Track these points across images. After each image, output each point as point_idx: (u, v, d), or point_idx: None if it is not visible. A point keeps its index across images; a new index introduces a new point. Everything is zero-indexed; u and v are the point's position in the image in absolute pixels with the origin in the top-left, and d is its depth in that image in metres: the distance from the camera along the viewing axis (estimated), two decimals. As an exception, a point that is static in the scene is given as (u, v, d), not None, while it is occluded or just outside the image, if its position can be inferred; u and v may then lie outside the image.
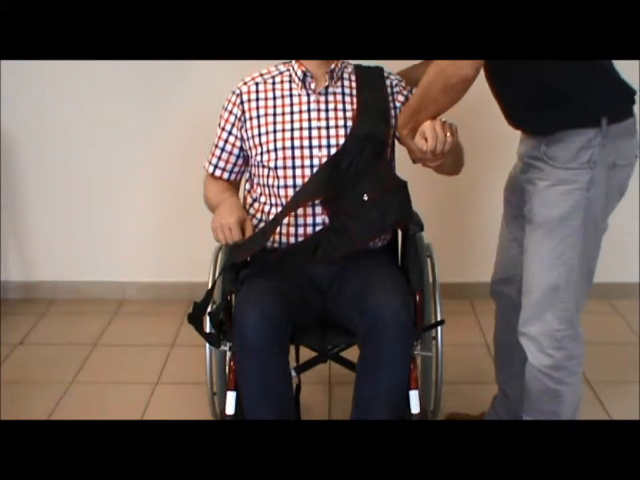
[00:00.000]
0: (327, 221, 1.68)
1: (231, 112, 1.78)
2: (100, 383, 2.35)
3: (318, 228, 1.69)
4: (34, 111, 2.72)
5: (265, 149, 1.73)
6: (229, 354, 1.71)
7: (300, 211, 1.68)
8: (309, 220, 1.70)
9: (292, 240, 1.71)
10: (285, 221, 1.68)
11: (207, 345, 1.71)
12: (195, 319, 1.65)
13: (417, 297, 1.68)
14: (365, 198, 1.65)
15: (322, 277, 1.75)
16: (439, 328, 1.73)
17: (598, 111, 1.50)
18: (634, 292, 2.86)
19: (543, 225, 1.57)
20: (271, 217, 1.71)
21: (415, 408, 1.63)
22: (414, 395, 1.63)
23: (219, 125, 1.81)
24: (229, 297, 1.69)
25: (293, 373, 1.69)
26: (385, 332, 1.53)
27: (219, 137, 1.81)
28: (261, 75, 1.80)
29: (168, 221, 2.85)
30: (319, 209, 1.69)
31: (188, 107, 2.69)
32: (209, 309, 1.67)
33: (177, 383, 2.34)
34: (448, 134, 1.50)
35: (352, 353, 1.73)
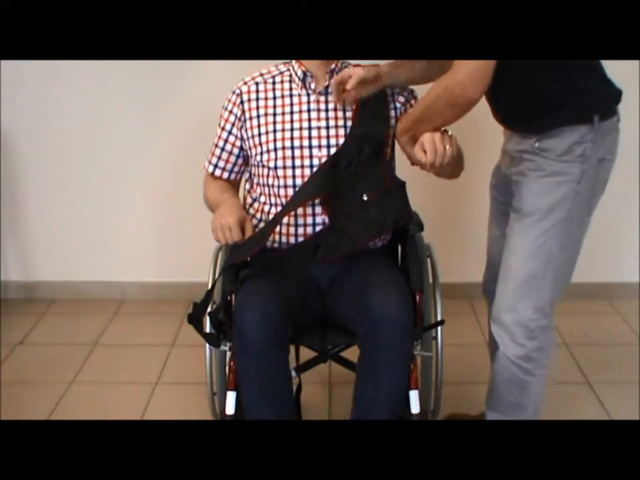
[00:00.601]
0: (326, 220, 1.68)
1: (231, 112, 1.78)
2: (100, 383, 2.34)
3: (318, 228, 1.69)
4: (34, 111, 2.72)
5: (264, 148, 1.73)
6: (228, 354, 1.71)
7: (300, 210, 1.68)
8: (309, 220, 1.70)
9: (292, 240, 1.71)
10: (285, 220, 1.69)
11: (207, 344, 1.71)
12: (195, 319, 1.65)
13: (417, 297, 1.68)
14: (365, 198, 1.65)
15: (322, 277, 1.75)
16: (439, 328, 1.73)
17: (591, 108, 1.53)
18: (634, 292, 2.86)
19: (530, 214, 1.59)
20: (271, 216, 1.71)
21: (414, 408, 1.63)
22: (414, 395, 1.63)
23: (219, 124, 1.81)
24: (229, 297, 1.69)
25: (293, 373, 1.69)
26: (384, 332, 1.53)
27: (219, 137, 1.81)
28: (261, 74, 1.80)
29: (168, 221, 2.85)
30: (318, 209, 1.69)
31: (188, 107, 2.69)
32: (208, 309, 1.67)
33: (176, 383, 2.33)
34: (447, 146, 1.49)
35: (352, 353, 1.73)
